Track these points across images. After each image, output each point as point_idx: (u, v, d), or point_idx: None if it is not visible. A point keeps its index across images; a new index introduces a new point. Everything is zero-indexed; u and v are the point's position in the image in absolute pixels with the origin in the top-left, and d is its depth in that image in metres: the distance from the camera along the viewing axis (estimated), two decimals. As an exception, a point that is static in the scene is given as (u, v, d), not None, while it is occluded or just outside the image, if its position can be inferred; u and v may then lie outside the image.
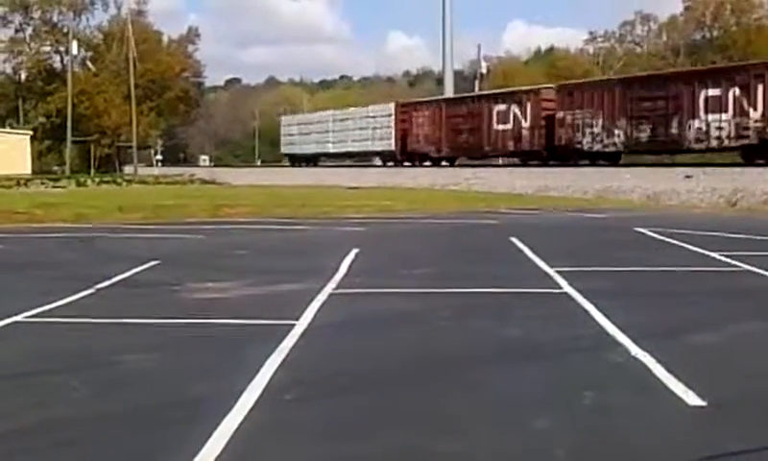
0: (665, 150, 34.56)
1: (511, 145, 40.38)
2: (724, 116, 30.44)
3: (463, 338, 6.84)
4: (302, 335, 6.71)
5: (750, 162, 29.36)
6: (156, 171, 61.09)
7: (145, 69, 67.32)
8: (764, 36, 67.67)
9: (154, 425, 4.56)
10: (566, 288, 8.87)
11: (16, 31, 73.49)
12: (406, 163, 47.82)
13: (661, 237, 14.24)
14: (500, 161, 45.95)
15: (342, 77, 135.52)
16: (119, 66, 68.22)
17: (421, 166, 45.59)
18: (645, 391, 5.14)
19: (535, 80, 60.82)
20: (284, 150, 63.22)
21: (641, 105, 33.40)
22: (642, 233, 14.98)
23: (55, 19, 73.37)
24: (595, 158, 35.67)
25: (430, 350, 6.42)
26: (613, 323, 6.94)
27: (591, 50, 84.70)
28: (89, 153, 67.06)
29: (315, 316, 7.50)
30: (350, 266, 10.87)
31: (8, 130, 64.58)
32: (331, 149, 55.70)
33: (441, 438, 4.34)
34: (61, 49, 71.78)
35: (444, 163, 44.83)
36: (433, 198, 27.32)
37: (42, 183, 42.29)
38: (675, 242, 13.45)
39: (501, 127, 40.70)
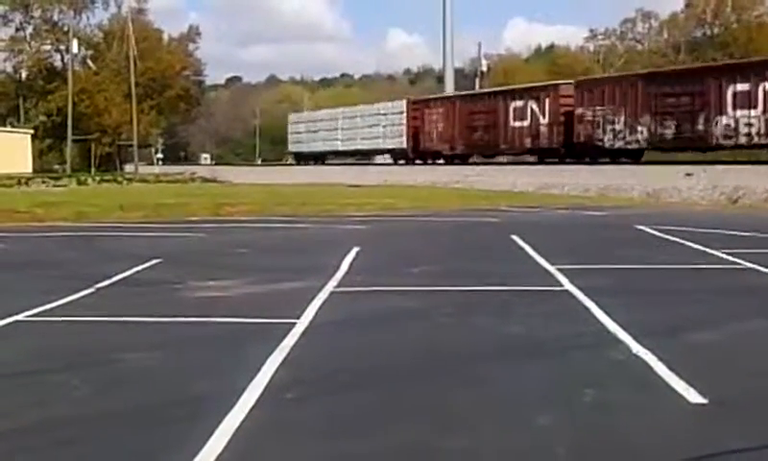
0: (691, 147, 32.82)
1: (528, 142, 39.04)
2: (753, 112, 29.22)
3: (464, 336, 6.84)
4: (304, 333, 6.71)
5: None
6: (157, 169, 61.07)
7: (146, 68, 67.28)
8: (765, 33, 67.59)
9: (155, 424, 4.55)
10: (568, 286, 8.86)
11: (17, 29, 73.49)
12: (417, 161, 46.74)
13: (662, 235, 14.23)
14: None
15: (342, 75, 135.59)
16: (120, 65, 68.18)
17: (434, 164, 44.52)
18: (646, 388, 5.14)
19: (535, 77, 60.66)
20: (291, 148, 62.01)
21: (666, 100, 32.21)
22: (643, 231, 14.97)
23: (55, 18, 73.37)
24: (616, 156, 34.40)
25: (432, 347, 6.42)
26: (615, 320, 6.94)
27: (592, 48, 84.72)
28: (90, 151, 67.08)
29: (316, 314, 7.50)
30: (352, 264, 10.87)
31: (8, 128, 64.58)
32: (340, 147, 54.42)
33: (443, 435, 4.33)
34: (62, 48, 71.75)
35: (456, 161, 43.53)
36: (434, 196, 27.32)
37: (43, 182, 42.31)
38: (676, 239, 13.44)
39: (518, 123, 39.31)
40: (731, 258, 11.00)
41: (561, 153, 37.46)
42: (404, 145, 47.52)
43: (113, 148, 70.81)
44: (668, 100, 32.22)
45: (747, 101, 29.45)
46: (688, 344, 6.41)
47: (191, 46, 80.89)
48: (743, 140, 29.98)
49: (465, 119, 42.90)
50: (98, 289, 9.11)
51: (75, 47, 65.96)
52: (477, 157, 44.80)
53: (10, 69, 74.81)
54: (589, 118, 35.25)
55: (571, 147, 36.49)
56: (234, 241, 14.61)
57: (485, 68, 70.67)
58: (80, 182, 43.60)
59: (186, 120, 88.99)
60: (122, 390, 5.30)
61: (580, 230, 16.41)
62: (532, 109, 38.76)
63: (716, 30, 74.53)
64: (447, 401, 4.94)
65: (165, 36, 79.88)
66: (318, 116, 59.55)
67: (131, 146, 62.55)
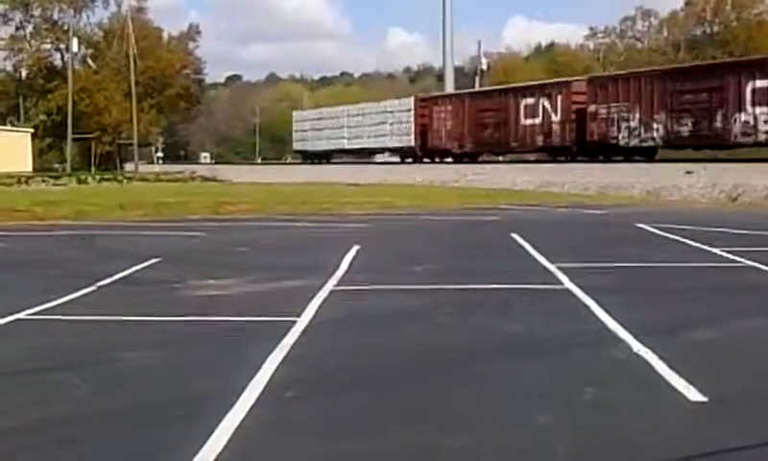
0: (709, 145, 32.18)
1: (539, 140, 38.59)
2: None
3: (464, 334, 6.84)
4: (304, 332, 6.71)
5: None
6: (157, 168, 61.05)
7: (145, 66, 67.24)
8: (765, 31, 67.61)
9: (155, 423, 4.56)
10: (568, 284, 8.86)
11: (17, 28, 73.46)
12: (425, 160, 45.95)
13: (663, 233, 14.23)
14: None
15: (342, 73, 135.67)
16: (120, 63, 68.12)
17: (443, 163, 43.77)
18: (647, 387, 5.14)
19: (535, 76, 60.72)
20: (296, 146, 61.34)
21: (682, 97, 31.66)
22: (643, 229, 14.97)
23: (55, 17, 73.33)
24: (631, 154, 34.00)
25: (432, 346, 6.42)
26: (615, 319, 6.94)
27: (592, 46, 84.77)
28: (90, 150, 67.04)
29: (316, 313, 7.50)
30: (351, 263, 10.88)
31: (8, 127, 64.56)
32: (346, 145, 53.66)
33: (443, 434, 4.34)
34: (62, 46, 71.70)
35: (466, 160, 42.72)
36: (434, 194, 27.31)
37: (43, 181, 42.25)
38: (676, 238, 13.44)
39: (529, 121, 38.76)
40: (731, 256, 10.99)
41: (573, 151, 36.80)
42: (412, 143, 46.75)
43: (113, 147, 70.76)
44: (685, 97, 31.57)
45: (766, 97, 28.85)
46: (689, 342, 6.42)
47: (191, 45, 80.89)
48: (762, 138, 29.42)
49: (474, 117, 42.19)
50: (98, 288, 9.12)
51: (75, 46, 65.93)
52: (487, 156, 44.02)
53: (10, 68, 74.87)
54: (603, 116, 34.62)
55: (584, 145, 35.86)
56: (234, 240, 14.61)
57: (485, 67, 70.68)
58: (80, 181, 43.55)
59: (186, 119, 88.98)
60: (122, 389, 5.30)
61: (580, 228, 16.40)
62: (543, 107, 38.13)
63: (716, 28, 74.58)
64: (447, 400, 4.94)
65: (165, 35, 79.92)
66: (323, 114, 58.47)
67: (131, 145, 62.50)
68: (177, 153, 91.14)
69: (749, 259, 10.58)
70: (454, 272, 10.44)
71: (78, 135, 64.21)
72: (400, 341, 6.62)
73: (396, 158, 53.21)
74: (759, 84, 29.18)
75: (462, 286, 9.09)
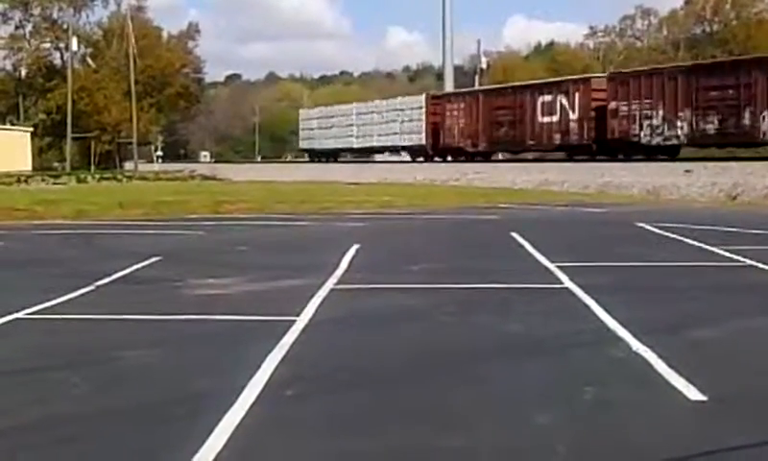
0: (736, 143, 31.44)
1: (557, 138, 37.61)
2: None
3: (464, 333, 6.84)
4: (303, 331, 6.71)
5: None
6: (157, 167, 61.09)
7: (145, 65, 67.25)
8: (764, 30, 67.62)
9: (155, 421, 4.56)
10: (567, 283, 8.86)
11: (16, 27, 73.50)
12: (437, 159, 45.08)
13: (662, 232, 14.23)
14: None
15: (342, 73, 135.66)
16: (119, 63, 68.16)
17: (455, 161, 42.82)
18: (646, 386, 5.14)
19: (535, 75, 60.73)
20: (302, 145, 60.32)
21: (708, 94, 30.67)
22: (643, 228, 14.96)
23: (54, 16, 73.33)
24: (652, 153, 33.03)
25: (431, 345, 6.42)
26: (615, 318, 6.93)
27: (592, 45, 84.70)
28: (90, 149, 67.03)
29: (316, 312, 7.50)
30: (351, 262, 10.87)
31: (8, 126, 64.53)
32: (355, 144, 52.65)
33: (442, 433, 4.34)
34: (61, 46, 71.69)
35: (479, 159, 41.83)
36: (433, 194, 27.30)
37: (43, 180, 42.23)
38: (676, 237, 13.44)
39: (546, 119, 37.84)
40: (731, 255, 10.99)
41: (592, 149, 35.85)
42: (423, 142, 45.80)
43: (113, 146, 70.78)
44: (711, 93, 30.63)
45: None
46: (688, 341, 6.41)
47: (190, 44, 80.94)
48: None
49: (488, 114, 41.25)
50: (98, 287, 9.11)
51: (74, 45, 65.91)
52: (502, 155, 43.25)
53: (9, 67, 74.90)
54: (624, 113, 33.70)
55: (603, 143, 35.01)
56: (234, 239, 14.61)
57: (484, 66, 70.74)
58: (79, 180, 43.53)
59: (186, 118, 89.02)
60: (122, 388, 5.30)
61: (580, 227, 16.40)
62: (561, 104, 37.17)
63: (715, 27, 74.57)
64: (447, 400, 4.94)
65: (165, 34, 79.98)
66: (331, 112, 57.31)
67: (130, 144, 62.51)
68: (176, 152, 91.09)
69: (749, 258, 10.58)
70: (454, 271, 10.44)
71: (77, 135, 64.22)
72: (400, 340, 6.62)
73: (397, 157, 53.03)
74: None
75: (462, 285, 9.09)
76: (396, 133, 48.39)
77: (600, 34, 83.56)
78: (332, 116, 55.88)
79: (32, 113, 72.43)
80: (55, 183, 40.87)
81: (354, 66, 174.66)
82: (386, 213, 19.90)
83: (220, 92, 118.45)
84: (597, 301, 7.70)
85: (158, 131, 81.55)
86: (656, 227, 14.91)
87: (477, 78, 67.19)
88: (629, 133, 33.67)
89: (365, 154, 53.91)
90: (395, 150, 50.77)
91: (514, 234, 13.68)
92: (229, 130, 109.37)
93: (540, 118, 38.39)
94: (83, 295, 8.62)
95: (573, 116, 36.62)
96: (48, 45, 73.95)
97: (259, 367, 5.50)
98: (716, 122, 30.59)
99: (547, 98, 38.13)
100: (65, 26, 70.14)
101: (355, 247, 12.23)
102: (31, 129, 63.49)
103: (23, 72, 74.53)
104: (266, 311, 7.60)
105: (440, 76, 73.79)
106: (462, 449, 4.14)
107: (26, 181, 41.27)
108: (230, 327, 7.16)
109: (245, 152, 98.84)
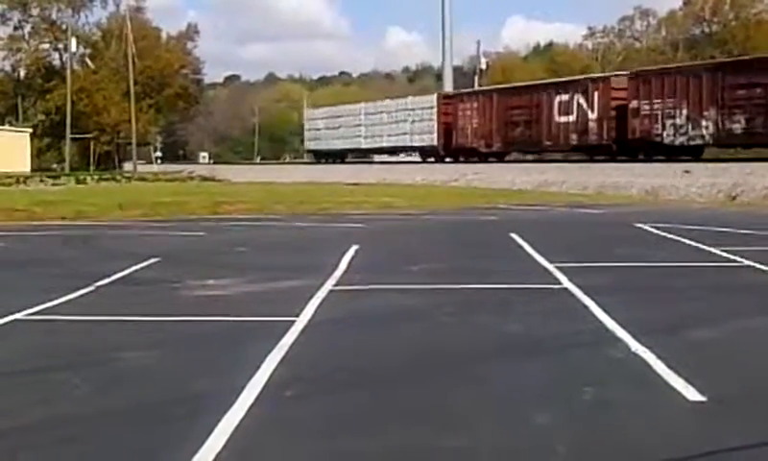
0: (763, 143, 30.07)
1: (574, 138, 36.63)
2: None
3: (463, 334, 6.85)
4: (302, 332, 6.71)
5: None
6: (156, 168, 61.06)
7: (144, 66, 67.31)
8: (763, 30, 67.65)
9: (155, 422, 4.56)
10: (566, 284, 8.87)
11: (15, 28, 73.54)
12: (447, 159, 44.08)
13: (661, 233, 14.24)
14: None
15: (341, 73, 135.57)
16: (118, 63, 68.21)
17: (468, 162, 41.70)
18: (645, 386, 5.14)
19: (534, 75, 60.77)
20: (308, 146, 59.18)
21: (735, 93, 29.68)
22: (642, 229, 14.98)
23: (53, 16, 73.40)
24: (675, 153, 32.03)
25: (430, 345, 6.42)
26: (614, 318, 6.94)
27: (590, 45, 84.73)
28: (89, 150, 67.06)
29: (315, 312, 7.50)
30: (350, 263, 10.87)
31: (7, 127, 64.52)
32: (363, 144, 51.33)
33: (442, 433, 4.34)
34: (60, 46, 71.73)
35: (492, 159, 40.90)
36: (432, 194, 27.31)
37: (42, 181, 42.26)
38: (675, 237, 13.45)
39: (563, 118, 36.74)
40: (730, 256, 11.00)
41: (612, 149, 34.98)
42: (434, 142, 44.74)
43: (112, 147, 70.81)
44: (738, 92, 29.71)
45: None
46: (687, 341, 6.42)
47: (189, 44, 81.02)
48: None
49: (503, 114, 40.25)
50: (97, 288, 9.11)
51: (73, 46, 65.89)
52: (518, 155, 42.14)
53: (8, 68, 74.93)
54: (646, 112, 32.81)
55: (624, 143, 34.23)
56: (233, 240, 14.61)
57: (484, 66, 70.75)
58: (78, 181, 43.56)
59: (185, 119, 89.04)
60: (122, 388, 5.31)
61: (579, 227, 16.41)
62: (579, 103, 36.14)
63: (714, 27, 74.58)
64: (446, 400, 4.94)
65: (164, 35, 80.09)
66: (338, 112, 55.92)
67: (129, 144, 62.51)
68: (175, 152, 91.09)
69: (748, 259, 10.59)
70: (453, 272, 10.45)
71: (76, 135, 64.20)
72: (399, 340, 6.62)
73: (395, 158, 52.88)
74: None
75: (461, 286, 9.09)
76: (405, 134, 47.28)
77: (599, 34, 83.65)
78: (339, 116, 54.53)
79: (31, 114, 72.45)
80: (54, 184, 40.90)
81: (353, 67, 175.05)
82: (385, 214, 19.90)
83: (219, 93, 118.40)
84: (596, 301, 7.71)
85: (157, 131, 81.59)
86: (654, 227, 14.92)
87: (476, 78, 67.18)
88: (651, 132, 32.82)
89: (373, 154, 52.80)
90: (412, 150, 49.38)
91: (513, 235, 13.69)
92: (228, 131, 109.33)
93: (556, 118, 37.37)
94: (82, 296, 8.62)
95: (592, 116, 35.65)
96: (47, 46, 74.04)
97: (258, 367, 5.50)
98: (743, 121, 29.72)
99: (564, 97, 37.12)
100: (64, 27, 70.13)
101: (354, 248, 12.24)
102: (30, 130, 63.45)
103: (22, 73, 74.62)
104: (265, 312, 7.60)
105: (439, 76, 73.72)
106: (461, 450, 4.14)
107: (25, 181, 41.30)
108: (230, 327, 7.17)
109: (244, 153, 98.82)
